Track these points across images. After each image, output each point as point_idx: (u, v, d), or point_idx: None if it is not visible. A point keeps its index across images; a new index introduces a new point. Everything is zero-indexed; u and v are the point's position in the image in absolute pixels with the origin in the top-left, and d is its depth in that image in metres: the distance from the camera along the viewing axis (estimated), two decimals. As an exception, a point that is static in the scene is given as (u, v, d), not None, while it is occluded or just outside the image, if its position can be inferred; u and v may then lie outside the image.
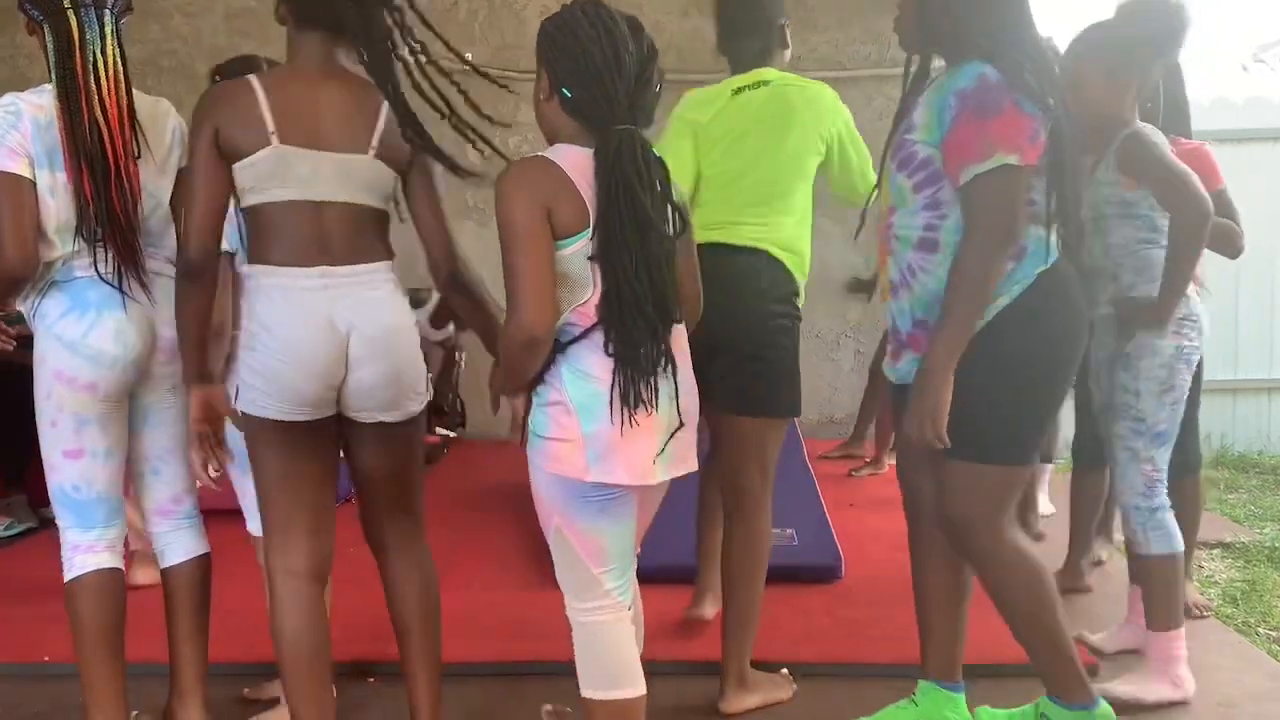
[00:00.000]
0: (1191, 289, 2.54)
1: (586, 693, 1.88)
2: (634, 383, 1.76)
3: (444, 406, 5.57)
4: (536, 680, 2.65)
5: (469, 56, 6.19)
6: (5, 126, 2.07)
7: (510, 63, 5.84)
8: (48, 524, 4.19)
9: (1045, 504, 4.08)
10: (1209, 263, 3.27)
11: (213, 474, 2.26)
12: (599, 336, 1.78)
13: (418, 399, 2.07)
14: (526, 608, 3.14)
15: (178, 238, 2.28)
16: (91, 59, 2.12)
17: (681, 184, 2.30)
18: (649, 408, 1.77)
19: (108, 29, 2.15)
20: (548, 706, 2.43)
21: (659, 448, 1.81)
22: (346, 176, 1.97)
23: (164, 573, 2.33)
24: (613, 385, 1.76)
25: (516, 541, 3.83)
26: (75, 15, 2.12)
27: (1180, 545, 2.54)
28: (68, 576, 2.17)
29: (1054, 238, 2.00)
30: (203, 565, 2.35)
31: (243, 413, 1.99)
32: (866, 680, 2.63)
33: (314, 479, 2.02)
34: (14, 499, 4.13)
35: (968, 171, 1.92)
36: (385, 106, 1.99)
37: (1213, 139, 5.72)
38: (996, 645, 2.39)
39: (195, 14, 5.84)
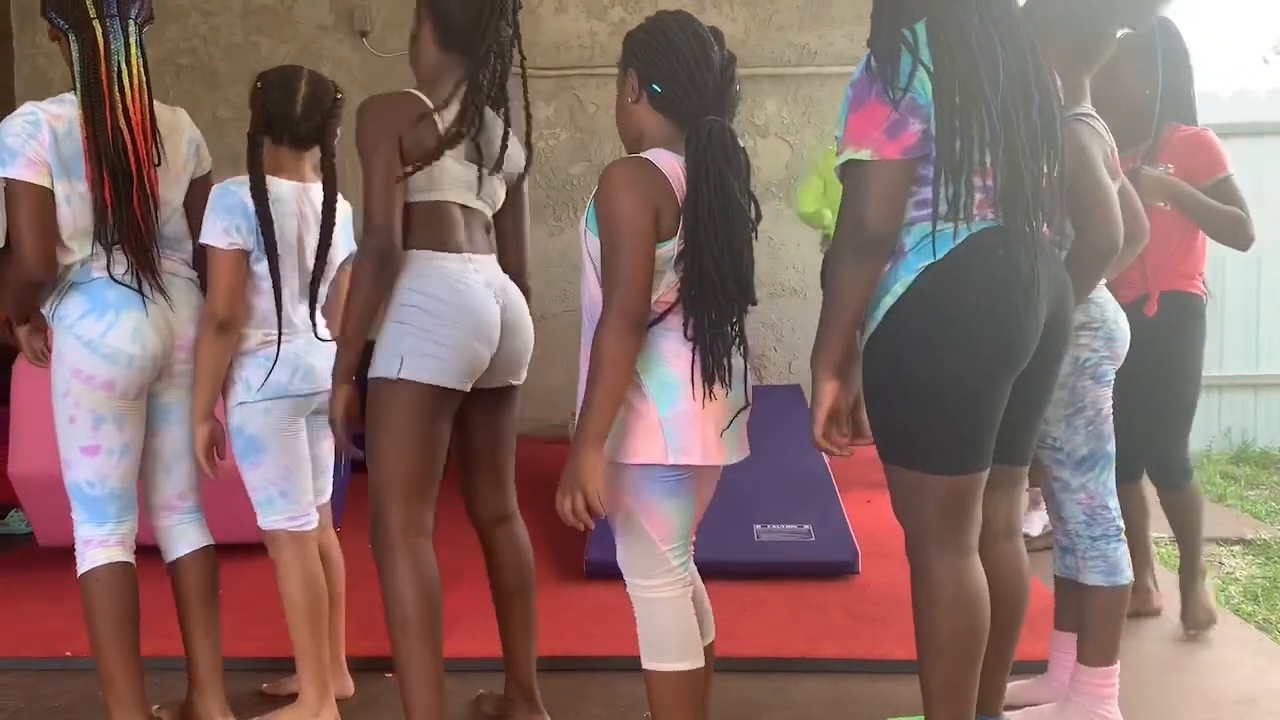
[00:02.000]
0: (1099, 288, 2.27)
1: (651, 665, 1.93)
2: (716, 360, 1.85)
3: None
4: (567, 675, 2.66)
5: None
6: (24, 136, 2.09)
7: (527, 59, 5.86)
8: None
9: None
10: (1231, 256, 3.23)
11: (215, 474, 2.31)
12: (673, 321, 1.87)
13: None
14: (555, 602, 3.14)
15: (193, 239, 2.31)
16: (116, 69, 2.14)
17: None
18: (725, 384, 1.87)
19: (132, 39, 2.17)
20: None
21: (725, 426, 1.90)
22: (482, 187, 2.20)
23: (170, 566, 2.35)
24: (692, 364, 1.85)
25: (541, 538, 3.83)
26: (100, 25, 2.13)
27: (1124, 578, 2.28)
28: (80, 570, 2.19)
29: (952, 230, 1.78)
30: (209, 556, 2.38)
31: (408, 380, 2.05)
32: (883, 677, 2.63)
33: (443, 448, 2.15)
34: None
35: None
36: (507, 131, 2.23)
37: (1234, 132, 5.75)
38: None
39: (212, 12, 5.88)
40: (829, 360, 1.84)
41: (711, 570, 3.32)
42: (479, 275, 2.15)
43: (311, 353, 2.38)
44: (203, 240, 2.27)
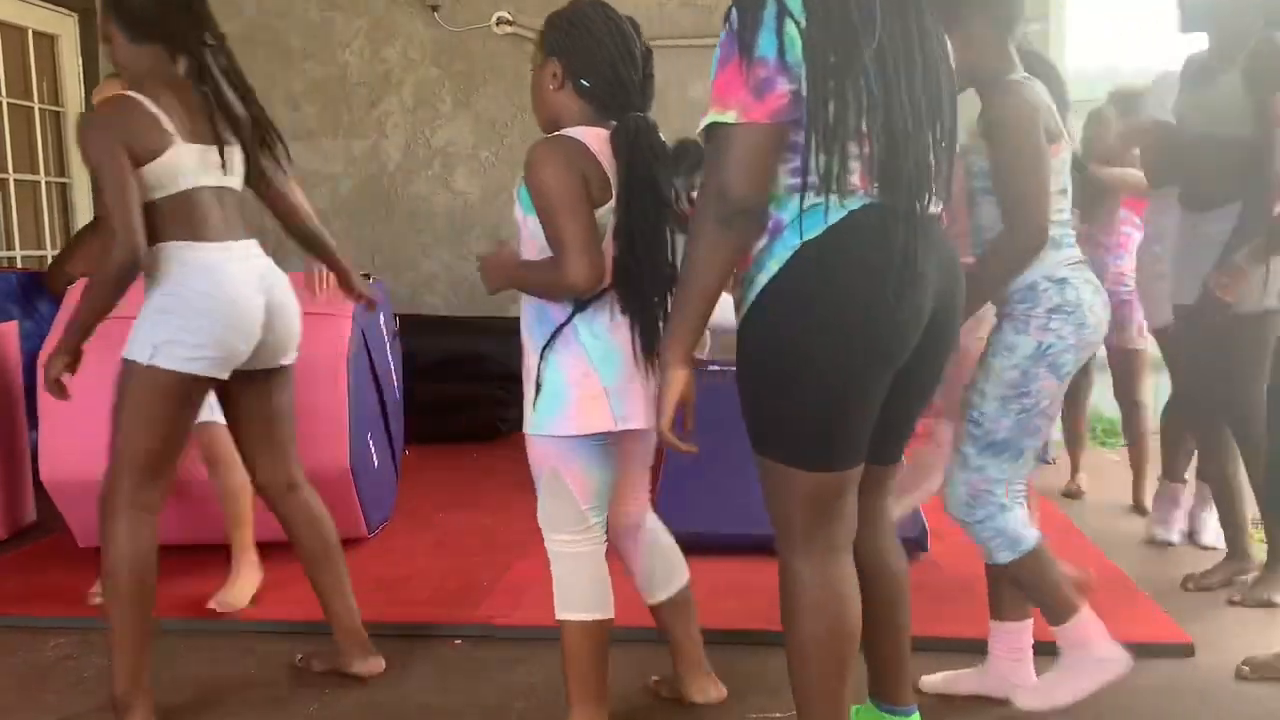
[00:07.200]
0: (1071, 268, 2.11)
1: (565, 615, 2.06)
2: (651, 333, 1.96)
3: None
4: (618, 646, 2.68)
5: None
6: None
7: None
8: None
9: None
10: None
11: None
12: (610, 299, 1.96)
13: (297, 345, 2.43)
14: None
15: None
16: None
17: None
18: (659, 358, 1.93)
19: None
20: (655, 677, 2.48)
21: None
22: (225, 162, 2.25)
23: None
24: (632, 339, 1.96)
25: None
26: None
27: (1029, 543, 2.14)
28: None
29: (825, 205, 1.62)
30: None
31: (161, 368, 2.15)
32: (951, 655, 2.60)
33: (186, 431, 2.28)
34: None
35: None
36: (227, 101, 2.30)
37: None
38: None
39: (288, -11, 5.95)
40: (682, 344, 1.70)
41: (769, 545, 3.31)
42: (238, 265, 2.24)
43: None
44: None
